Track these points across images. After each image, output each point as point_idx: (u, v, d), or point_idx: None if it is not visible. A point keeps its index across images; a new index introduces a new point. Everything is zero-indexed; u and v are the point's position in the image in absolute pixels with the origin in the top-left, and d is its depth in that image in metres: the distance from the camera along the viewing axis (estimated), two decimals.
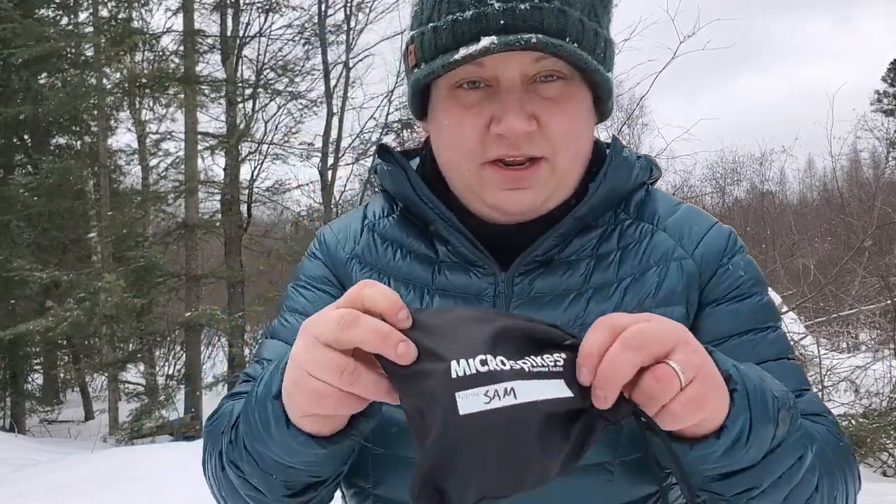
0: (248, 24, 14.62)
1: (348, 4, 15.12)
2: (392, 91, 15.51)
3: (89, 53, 12.42)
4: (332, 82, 15.25)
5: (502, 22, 0.88)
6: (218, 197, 14.67)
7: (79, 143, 14.06)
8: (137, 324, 11.93)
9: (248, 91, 14.72)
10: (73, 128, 13.76)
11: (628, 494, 0.93)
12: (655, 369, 0.68)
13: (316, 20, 14.82)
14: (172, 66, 13.07)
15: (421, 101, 1.02)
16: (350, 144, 15.66)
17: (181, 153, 13.40)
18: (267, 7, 14.40)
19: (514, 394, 0.63)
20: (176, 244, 13.37)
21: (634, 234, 1.02)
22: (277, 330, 1.09)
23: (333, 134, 15.29)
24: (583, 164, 1.00)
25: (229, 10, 14.32)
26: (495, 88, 0.93)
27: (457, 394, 0.62)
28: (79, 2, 13.05)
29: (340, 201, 15.74)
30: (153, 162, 14.44)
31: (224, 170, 14.45)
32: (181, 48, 12.99)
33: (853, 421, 7.21)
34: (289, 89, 14.79)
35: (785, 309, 7.76)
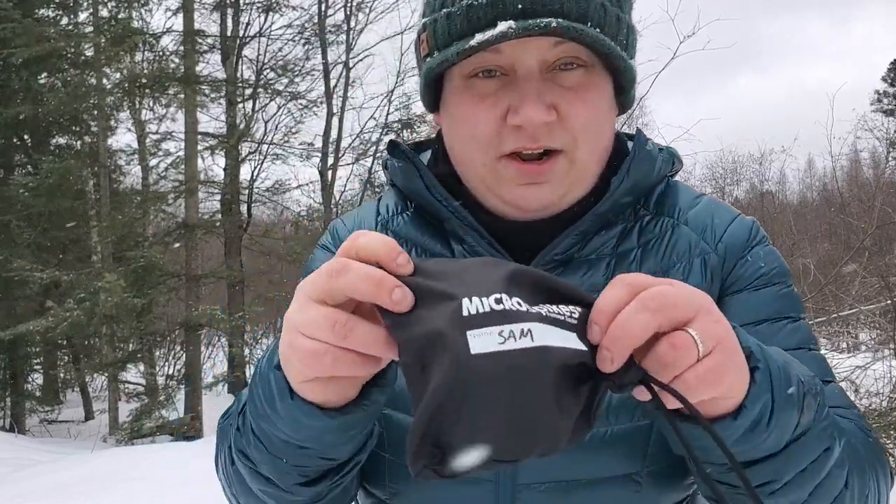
0: (248, 24, 14.63)
1: (348, 4, 15.13)
2: (392, 91, 15.53)
3: (89, 53, 12.40)
4: (332, 82, 15.27)
5: (520, 6, 0.84)
6: (218, 197, 14.68)
7: (79, 143, 14.04)
8: (137, 324, 11.92)
9: (248, 91, 14.72)
10: (73, 128, 13.75)
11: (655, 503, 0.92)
12: (673, 336, 0.61)
13: (316, 20, 14.82)
14: (172, 66, 13.06)
15: (433, 93, 0.98)
16: (350, 144, 15.68)
17: (181, 153, 13.39)
18: (267, 7, 14.39)
19: (532, 336, 0.56)
20: (176, 244, 13.36)
21: (655, 230, 0.98)
22: None
23: (333, 134, 15.30)
24: (603, 157, 0.96)
25: (229, 10, 14.32)
26: (512, 77, 0.89)
27: (469, 332, 0.56)
28: (79, 2, 13.04)
29: (340, 201, 15.75)
30: (153, 162, 14.44)
31: (224, 170, 14.46)
32: (181, 48, 12.97)
33: None
34: (289, 89, 14.80)
35: None
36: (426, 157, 1.07)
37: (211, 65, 14.34)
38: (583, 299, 0.62)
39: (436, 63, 0.90)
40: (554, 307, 0.60)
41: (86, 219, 13.12)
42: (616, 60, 0.89)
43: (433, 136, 1.09)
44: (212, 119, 14.89)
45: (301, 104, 15.03)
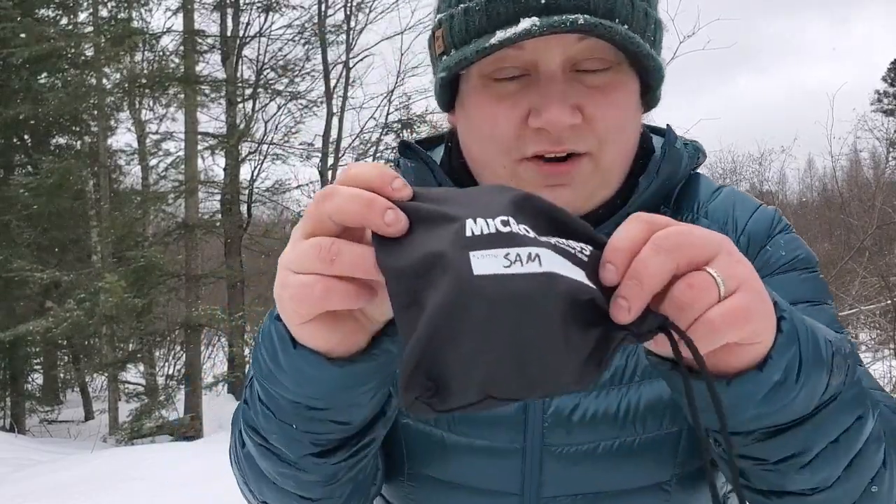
0: (248, 23, 14.62)
1: (348, 4, 15.12)
2: (392, 91, 15.53)
3: (89, 53, 12.42)
4: (332, 82, 15.26)
5: (543, 1, 0.79)
6: (218, 197, 14.67)
7: (79, 143, 14.05)
8: (137, 324, 11.93)
9: (248, 91, 14.72)
10: (73, 128, 13.75)
11: None
12: (690, 275, 0.56)
13: (316, 20, 14.82)
14: (172, 66, 13.07)
15: (449, 92, 0.92)
16: (350, 144, 15.67)
17: (181, 153, 13.41)
18: (267, 7, 14.39)
19: (540, 261, 0.52)
20: (176, 244, 13.36)
21: None
22: None
23: (333, 134, 15.29)
24: (630, 158, 0.91)
25: (229, 10, 14.31)
26: (534, 77, 0.84)
27: (472, 253, 0.51)
28: (79, 2, 13.04)
29: None
30: (153, 162, 14.44)
31: (224, 170, 14.46)
32: (181, 48, 12.98)
33: None
34: (289, 89, 14.81)
35: None
36: (437, 154, 1.03)
37: (211, 65, 14.36)
38: (594, 239, 0.58)
39: (453, 62, 0.85)
40: (564, 240, 0.56)
41: (86, 219, 13.12)
42: (645, 59, 0.84)
43: (432, 134, 1.07)
44: (212, 119, 14.89)
45: (301, 104, 15.04)
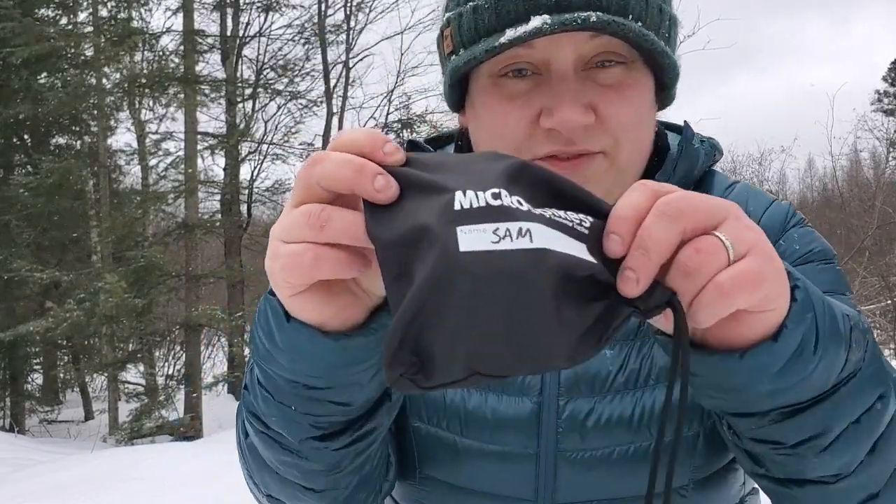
0: (247, 23, 14.64)
1: (348, 4, 15.13)
2: (392, 91, 15.54)
3: (89, 53, 12.41)
4: (332, 82, 15.27)
5: None
6: (218, 197, 14.68)
7: (79, 143, 14.05)
8: (137, 324, 11.92)
9: (248, 91, 14.73)
10: (73, 128, 13.75)
11: None
12: (696, 240, 0.53)
13: (316, 20, 14.82)
14: (172, 65, 13.06)
15: (458, 92, 0.91)
16: None
17: (181, 153, 13.39)
18: (267, 6, 14.39)
19: (531, 236, 0.49)
20: (176, 244, 13.36)
21: None
22: None
23: (333, 134, 15.22)
24: (645, 157, 0.88)
25: (229, 10, 14.31)
26: (545, 76, 0.82)
27: (459, 228, 0.49)
28: (78, 1, 13.04)
29: None
30: (153, 162, 14.44)
31: (224, 170, 14.46)
32: (181, 48, 12.98)
33: None
34: (289, 89, 14.82)
35: None
36: (447, 152, 1.01)
37: (211, 64, 14.37)
38: (596, 207, 0.55)
39: (462, 62, 0.84)
40: (560, 212, 0.53)
41: (86, 219, 13.12)
42: (659, 57, 0.82)
43: (433, 134, 1.06)
44: (211, 119, 14.90)
45: (301, 104, 15.06)
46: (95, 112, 12.27)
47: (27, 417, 13.28)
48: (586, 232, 0.53)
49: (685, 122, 0.96)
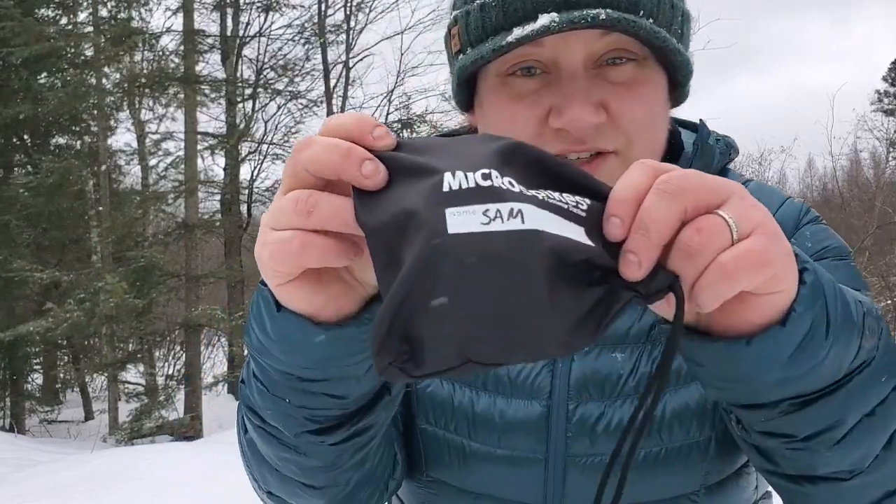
0: (247, 23, 14.62)
1: (348, 4, 15.11)
2: (392, 91, 15.53)
3: (89, 53, 12.41)
4: (332, 82, 15.25)
5: None
6: (218, 197, 14.67)
7: (78, 142, 14.04)
8: (137, 324, 11.92)
9: (248, 91, 14.71)
10: (73, 128, 13.74)
11: None
12: (698, 219, 0.51)
13: (316, 20, 14.81)
14: (172, 65, 13.06)
15: (467, 91, 0.89)
16: None
17: (181, 153, 13.40)
18: (267, 6, 14.38)
19: (522, 217, 0.48)
20: (176, 244, 13.36)
21: None
22: None
23: None
24: (659, 156, 0.87)
25: (229, 10, 14.31)
26: (554, 75, 0.80)
27: (447, 210, 0.47)
28: (78, 1, 13.03)
29: None
30: (153, 162, 14.45)
31: (224, 170, 14.46)
32: (181, 48, 12.97)
33: None
34: (289, 89, 14.80)
35: None
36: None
37: (211, 64, 14.35)
38: (594, 189, 0.53)
39: (469, 61, 0.82)
40: (556, 194, 0.52)
41: (85, 219, 13.12)
42: (671, 54, 0.80)
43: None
44: (211, 119, 14.90)
45: (301, 104, 15.04)
46: (95, 112, 12.27)
47: (27, 417, 13.28)
48: (583, 214, 0.51)
49: (701, 120, 0.95)
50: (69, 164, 11.83)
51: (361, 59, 15.59)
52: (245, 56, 14.83)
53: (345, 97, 15.41)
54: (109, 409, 12.17)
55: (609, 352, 0.86)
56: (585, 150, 0.80)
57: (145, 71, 13.60)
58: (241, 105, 14.59)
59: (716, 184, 0.52)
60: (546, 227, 0.48)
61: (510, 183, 0.50)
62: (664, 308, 0.54)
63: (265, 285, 0.62)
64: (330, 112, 15.07)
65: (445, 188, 0.49)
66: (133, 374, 13.63)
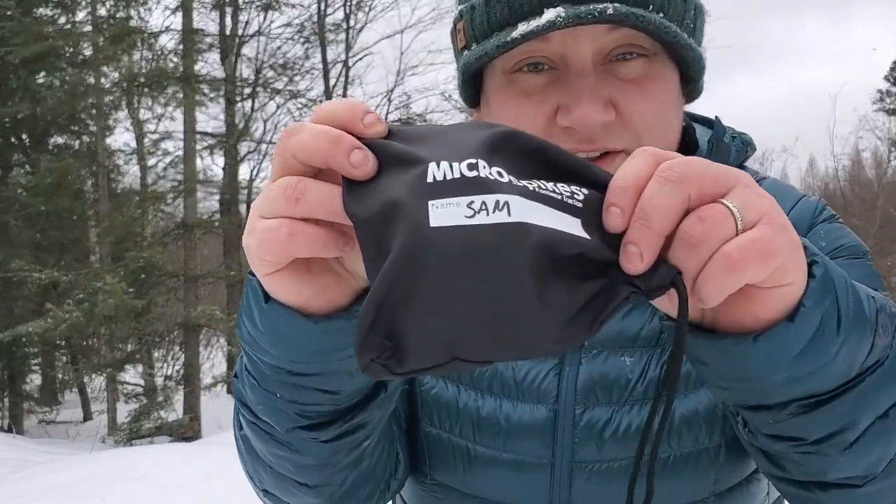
0: (247, 22, 14.62)
1: (348, 3, 15.12)
2: (392, 90, 15.53)
3: (88, 52, 12.43)
4: (332, 81, 15.25)
5: None
6: (217, 196, 14.68)
7: (77, 142, 14.07)
8: (136, 324, 11.92)
9: (248, 90, 14.72)
10: (72, 127, 13.76)
11: None
12: (701, 208, 0.48)
13: (315, 19, 14.81)
14: (171, 65, 13.07)
15: (473, 87, 0.87)
16: None
17: (180, 153, 13.41)
18: (266, 5, 14.38)
19: (508, 210, 0.46)
20: (175, 244, 13.36)
21: None
22: None
23: None
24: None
25: (228, 9, 14.29)
26: (562, 71, 0.78)
27: (430, 202, 0.46)
28: (77, 0, 13.02)
29: None
30: (152, 161, 14.46)
31: (223, 169, 14.45)
32: (180, 47, 12.97)
33: None
34: (288, 88, 14.83)
35: None
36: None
37: (210, 64, 14.36)
38: (594, 178, 0.51)
39: (473, 57, 0.80)
40: (548, 184, 0.50)
41: (84, 219, 13.13)
42: (683, 49, 0.78)
43: None
44: (210, 118, 14.94)
45: (300, 103, 15.04)
46: (94, 111, 12.28)
47: (26, 418, 13.30)
48: (580, 205, 0.49)
49: (716, 117, 0.93)
50: (68, 163, 11.84)
51: (361, 59, 15.61)
52: (244, 55, 14.85)
53: (344, 96, 15.41)
54: (108, 409, 12.17)
55: (618, 355, 0.84)
56: (594, 150, 0.77)
57: (144, 70, 13.60)
58: (240, 104, 14.60)
59: (720, 171, 0.50)
60: (534, 220, 0.46)
61: (498, 173, 0.48)
62: (666, 304, 0.52)
63: (254, 276, 0.61)
64: None
65: (430, 179, 0.47)
66: (132, 375, 13.64)
